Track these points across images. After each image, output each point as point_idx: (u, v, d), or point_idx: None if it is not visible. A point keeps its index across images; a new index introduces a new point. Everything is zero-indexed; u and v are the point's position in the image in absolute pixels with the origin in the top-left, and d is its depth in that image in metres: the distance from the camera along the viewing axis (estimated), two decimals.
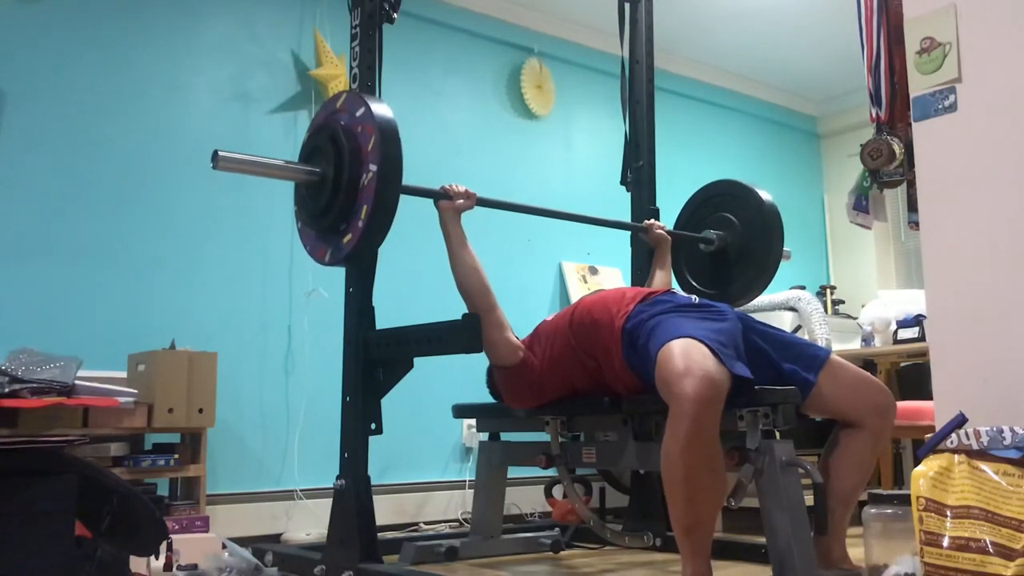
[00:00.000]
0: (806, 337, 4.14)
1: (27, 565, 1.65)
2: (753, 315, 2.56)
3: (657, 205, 3.40)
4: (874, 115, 2.86)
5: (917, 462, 1.65)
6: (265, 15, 3.76)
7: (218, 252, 3.49)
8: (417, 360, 2.45)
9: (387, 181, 2.27)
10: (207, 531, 2.88)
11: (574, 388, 2.45)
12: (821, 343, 4.07)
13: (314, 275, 3.56)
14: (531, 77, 4.45)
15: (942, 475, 1.58)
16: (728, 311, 2.29)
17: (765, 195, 3.17)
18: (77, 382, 2.74)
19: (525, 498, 3.87)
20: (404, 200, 2.35)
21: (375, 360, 2.48)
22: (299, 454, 3.53)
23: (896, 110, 2.83)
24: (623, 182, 3.45)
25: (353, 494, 2.40)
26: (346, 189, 2.32)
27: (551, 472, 2.66)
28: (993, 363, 1.73)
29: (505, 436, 2.93)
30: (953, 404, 1.71)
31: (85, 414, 2.79)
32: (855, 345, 4.26)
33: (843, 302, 5.20)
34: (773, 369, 2.27)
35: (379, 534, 2.48)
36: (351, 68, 2.67)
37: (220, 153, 2.27)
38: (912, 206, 2.86)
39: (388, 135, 2.28)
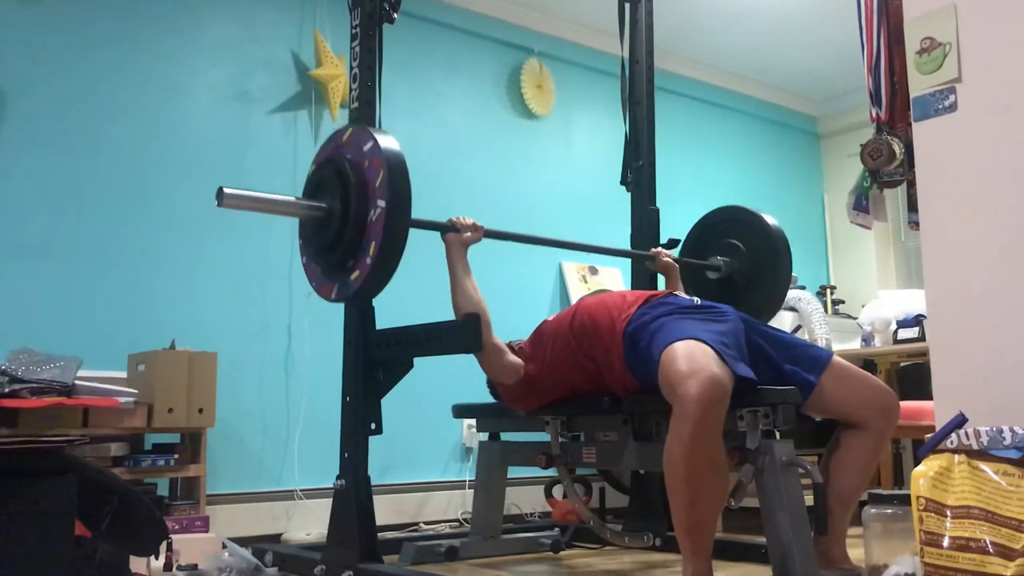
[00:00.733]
0: (806, 337, 4.14)
1: (27, 565, 1.65)
2: None
3: (657, 205, 3.41)
4: (874, 115, 2.86)
5: (917, 462, 1.65)
6: (265, 15, 3.76)
7: (218, 252, 3.49)
8: (417, 360, 2.45)
9: (396, 217, 2.22)
10: (207, 531, 2.88)
11: (574, 389, 2.45)
12: (821, 343, 4.07)
13: None
14: (531, 77, 4.45)
15: (942, 475, 1.58)
16: (730, 312, 2.29)
17: (771, 220, 3.14)
18: (77, 382, 2.75)
19: (525, 498, 3.87)
20: None
21: (375, 360, 2.47)
22: (299, 454, 3.53)
23: (896, 110, 2.83)
24: (623, 182, 3.45)
25: (353, 494, 2.40)
26: (354, 225, 2.28)
27: (551, 472, 2.66)
28: (993, 363, 1.73)
29: (505, 436, 2.93)
30: (953, 404, 1.71)
31: (85, 414, 2.79)
32: (855, 345, 4.26)
33: (843, 302, 5.21)
34: (774, 370, 2.26)
35: (379, 534, 2.48)
36: (351, 68, 2.67)
37: (225, 191, 2.22)
38: (912, 206, 2.86)
39: (397, 171, 2.24)
